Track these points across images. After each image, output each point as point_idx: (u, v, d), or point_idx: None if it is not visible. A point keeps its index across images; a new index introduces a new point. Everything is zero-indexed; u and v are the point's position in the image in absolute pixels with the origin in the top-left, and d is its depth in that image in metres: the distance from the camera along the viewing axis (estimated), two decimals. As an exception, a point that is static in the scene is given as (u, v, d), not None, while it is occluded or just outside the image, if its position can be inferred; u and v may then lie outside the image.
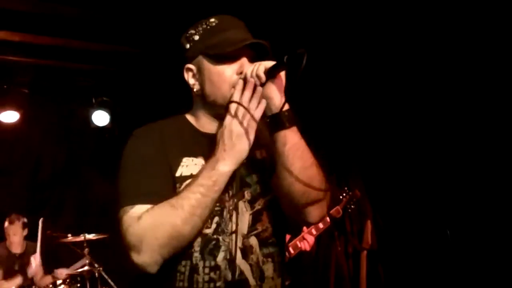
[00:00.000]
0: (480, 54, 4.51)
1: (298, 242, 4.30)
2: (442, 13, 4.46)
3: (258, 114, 1.63)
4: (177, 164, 1.72)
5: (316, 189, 1.67)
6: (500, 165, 4.52)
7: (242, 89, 1.64)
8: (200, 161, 1.73)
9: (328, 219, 4.47)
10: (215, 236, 1.67)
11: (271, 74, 1.63)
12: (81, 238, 5.46)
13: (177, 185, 1.68)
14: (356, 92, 5.68)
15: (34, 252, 5.56)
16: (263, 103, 1.63)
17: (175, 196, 1.60)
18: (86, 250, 5.46)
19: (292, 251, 4.25)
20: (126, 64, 5.89)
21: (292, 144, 1.63)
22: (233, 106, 1.64)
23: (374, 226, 5.30)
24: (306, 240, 4.33)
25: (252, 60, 1.73)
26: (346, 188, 4.76)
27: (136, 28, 5.06)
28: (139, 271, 1.57)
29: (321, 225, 4.39)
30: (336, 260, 5.34)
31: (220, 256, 1.67)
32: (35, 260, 5.39)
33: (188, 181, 1.66)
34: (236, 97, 1.64)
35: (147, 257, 1.55)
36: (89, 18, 4.82)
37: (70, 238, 5.50)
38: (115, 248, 6.01)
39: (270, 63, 1.63)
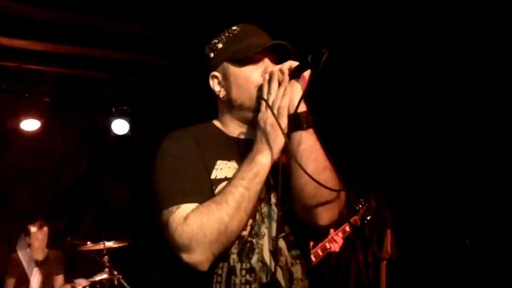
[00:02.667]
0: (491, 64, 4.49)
1: (327, 244, 4.32)
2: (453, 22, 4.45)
3: (285, 103, 1.65)
4: (212, 166, 1.75)
5: (328, 190, 1.67)
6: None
7: (268, 84, 1.69)
8: (233, 164, 1.76)
9: (347, 228, 4.48)
10: (249, 239, 1.70)
11: (295, 73, 1.67)
12: (100, 245, 5.47)
13: (213, 187, 1.71)
14: (380, 102, 5.66)
15: (57, 259, 5.62)
16: (291, 90, 1.66)
17: (219, 193, 1.63)
18: (105, 258, 5.47)
19: (313, 259, 4.25)
20: (146, 74, 5.94)
21: (308, 145, 1.66)
22: (263, 102, 1.68)
23: (394, 236, 5.27)
24: (335, 241, 4.35)
25: (276, 63, 1.78)
26: (362, 200, 4.78)
27: (157, 38, 5.10)
28: (191, 269, 1.59)
29: (347, 228, 4.43)
30: (356, 269, 5.32)
31: (255, 258, 1.69)
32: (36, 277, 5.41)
33: (223, 184, 1.69)
34: (264, 93, 1.69)
35: (198, 255, 1.57)
36: (109, 27, 4.87)
37: (89, 245, 5.52)
38: (134, 255, 6.06)
39: (295, 63, 1.68)
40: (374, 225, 5.53)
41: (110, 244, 5.51)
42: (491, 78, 4.65)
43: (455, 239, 4.98)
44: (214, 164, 1.76)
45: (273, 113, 1.63)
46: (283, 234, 1.75)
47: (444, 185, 5.09)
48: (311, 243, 4.30)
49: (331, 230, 4.43)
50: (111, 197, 6.86)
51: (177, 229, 1.58)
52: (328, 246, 4.33)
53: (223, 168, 1.75)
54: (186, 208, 1.61)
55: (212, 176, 1.73)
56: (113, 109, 6.43)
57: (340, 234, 4.45)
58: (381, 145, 5.75)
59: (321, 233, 4.33)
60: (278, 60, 1.78)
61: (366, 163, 5.90)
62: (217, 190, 1.69)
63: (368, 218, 4.76)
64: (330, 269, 5.11)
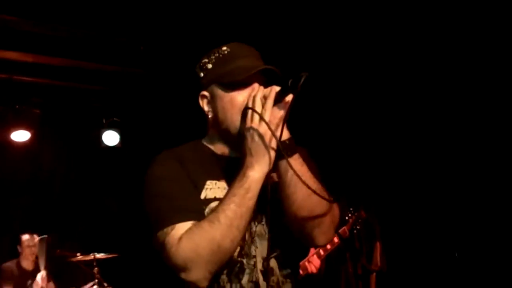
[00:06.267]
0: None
1: (306, 264, 4.32)
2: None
3: (275, 113, 1.64)
4: (201, 186, 1.75)
5: (319, 217, 1.68)
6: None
7: (254, 96, 1.67)
8: (222, 184, 1.76)
9: (336, 239, 4.48)
10: (239, 259, 1.70)
11: (278, 99, 1.64)
12: (90, 257, 5.46)
13: (203, 207, 1.71)
14: (368, 116, 5.70)
15: (45, 269, 5.60)
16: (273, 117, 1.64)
17: (211, 212, 1.63)
18: (95, 270, 5.46)
19: (301, 272, 4.26)
20: (136, 86, 5.95)
21: (293, 172, 1.62)
22: (249, 112, 1.66)
23: (383, 248, 5.29)
24: (311, 263, 4.34)
25: (265, 86, 1.74)
26: (351, 209, 4.77)
27: (147, 51, 5.12)
28: (192, 287, 1.60)
29: (328, 246, 4.41)
30: (346, 281, 5.33)
31: (245, 279, 1.70)
32: (42, 278, 5.39)
33: (212, 204, 1.69)
34: (249, 104, 1.66)
35: (196, 275, 1.57)
36: (101, 40, 4.89)
37: (79, 257, 5.51)
38: (125, 267, 6.05)
39: (277, 88, 1.65)
40: (363, 238, 5.54)
41: (100, 255, 5.50)
42: (474, 94, 4.70)
43: (444, 251, 5.01)
44: (204, 184, 1.75)
45: (258, 126, 1.62)
46: (274, 254, 1.75)
47: (433, 198, 5.12)
48: None
49: (311, 249, 4.41)
50: (101, 208, 6.85)
51: (171, 251, 1.58)
52: (307, 267, 4.33)
53: (212, 188, 1.75)
54: (180, 227, 1.61)
55: (202, 196, 1.73)
56: (104, 121, 6.43)
57: (321, 252, 4.43)
58: (370, 157, 5.78)
59: (304, 249, 4.33)
60: (266, 83, 1.75)
61: (355, 175, 5.93)
62: (207, 210, 1.69)
63: (358, 227, 4.76)
64: (319, 281, 5.11)
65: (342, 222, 4.73)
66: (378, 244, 5.07)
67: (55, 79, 5.63)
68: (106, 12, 4.43)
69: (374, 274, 4.99)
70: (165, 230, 1.63)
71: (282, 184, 1.67)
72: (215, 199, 1.71)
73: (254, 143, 1.63)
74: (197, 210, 1.66)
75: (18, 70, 5.32)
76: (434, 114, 5.09)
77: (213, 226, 1.58)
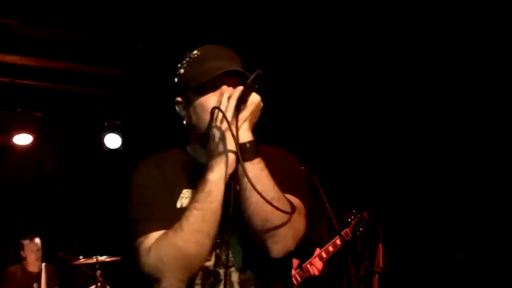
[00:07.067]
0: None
1: (308, 266, 4.31)
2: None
3: (242, 114, 1.59)
4: (178, 195, 1.73)
5: (272, 226, 1.59)
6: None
7: (220, 96, 1.62)
8: None
9: (338, 241, 4.48)
10: (215, 269, 1.67)
11: (241, 100, 1.59)
12: (93, 260, 5.47)
13: (179, 215, 1.65)
14: (370, 117, 5.71)
15: (52, 273, 5.61)
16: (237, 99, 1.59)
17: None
18: (98, 272, 5.46)
19: (299, 279, 4.26)
20: (138, 89, 5.96)
21: (251, 176, 1.54)
22: (215, 113, 1.62)
23: (386, 250, 5.28)
24: (314, 266, 4.33)
25: (235, 87, 1.66)
26: (354, 211, 4.75)
27: (148, 54, 5.13)
28: None
29: (331, 248, 4.40)
30: (348, 283, 5.33)
31: None
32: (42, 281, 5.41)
33: None
34: (215, 103, 1.62)
35: (165, 284, 1.56)
36: (102, 43, 4.90)
37: (82, 260, 5.51)
38: (127, 270, 6.06)
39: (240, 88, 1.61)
40: (366, 240, 5.54)
41: (103, 258, 5.51)
42: (475, 95, 4.71)
43: (447, 253, 5.01)
44: (180, 192, 1.74)
45: (220, 126, 1.59)
46: (250, 265, 1.69)
47: (435, 199, 5.12)
48: (297, 262, 4.33)
49: (317, 249, 4.41)
50: (103, 211, 6.85)
51: (142, 261, 1.59)
52: (309, 269, 4.32)
53: (188, 197, 1.72)
54: (153, 236, 1.60)
55: (178, 205, 1.71)
56: (105, 124, 6.44)
57: (324, 255, 4.42)
58: (373, 159, 5.78)
59: (306, 252, 4.33)
60: (237, 84, 1.66)
61: (358, 177, 5.93)
62: None
63: (361, 229, 4.73)
64: (322, 284, 5.10)
65: (344, 224, 4.72)
66: (380, 246, 5.05)
67: (57, 83, 5.65)
68: (107, 16, 4.44)
69: (377, 276, 4.96)
70: (139, 239, 1.63)
71: (240, 188, 1.61)
72: None
73: (214, 144, 1.60)
74: (171, 219, 1.62)
75: (20, 73, 5.34)
76: (436, 116, 5.09)
77: (176, 233, 1.56)
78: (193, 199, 1.60)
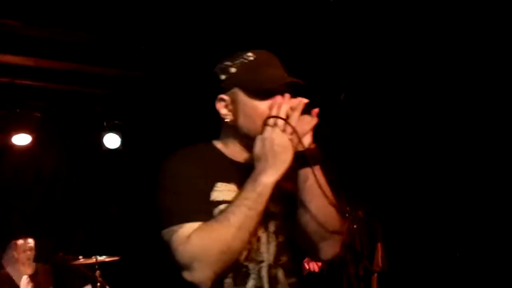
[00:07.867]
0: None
1: (305, 264, 4.32)
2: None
3: (299, 126, 1.65)
4: (211, 188, 1.74)
5: (331, 229, 1.71)
6: None
7: (279, 105, 1.67)
8: (233, 187, 1.75)
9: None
10: (245, 264, 1.70)
11: (304, 110, 1.67)
12: (92, 260, 5.47)
13: (211, 208, 1.70)
14: (369, 116, 5.71)
15: (46, 272, 5.59)
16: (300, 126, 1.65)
17: (221, 213, 1.63)
18: (97, 273, 5.46)
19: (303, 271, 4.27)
20: (137, 89, 5.96)
21: (313, 182, 1.65)
22: (271, 120, 1.66)
23: (385, 249, 5.29)
24: (313, 262, 4.34)
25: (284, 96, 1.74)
26: (348, 209, 4.77)
27: (147, 53, 5.13)
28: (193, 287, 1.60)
29: None
30: (347, 282, 5.33)
31: (250, 284, 1.70)
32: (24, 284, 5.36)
33: (221, 206, 1.69)
34: (274, 112, 1.66)
35: (200, 275, 1.57)
36: (101, 43, 4.91)
37: (81, 260, 5.51)
38: (127, 270, 6.06)
39: (305, 100, 1.68)
40: (365, 239, 5.55)
41: (102, 258, 5.51)
42: (476, 96, 4.71)
43: (446, 252, 5.02)
44: (214, 185, 1.75)
45: (282, 134, 1.63)
46: (280, 262, 1.76)
47: (434, 198, 5.12)
48: None
49: None
50: (102, 211, 6.86)
51: (179, 249, 1.59)
52: (306, 266, 4.33)
53: (223, 190, 1.74)
54: (188, 227, 1.60)
55: (211, 198, 1.73)
56: (105, 124, 6.45)
57: None
58: (372, 157, 5.78)
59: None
60: (289, 94, 1.73)
61: (356, 175, 5.93)
62: (214, 212, 1.69)
63: (355, 226, 4.74)
64: (321, 282, 5.11)
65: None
66: (379, 245, 5.08)
67: (56, 83, 5.65)
68: (107, 16, 4.44)
69: (376, 275, 4.99)
70: (173, 227, 1.63)
71: (300, 191, 1.69)
72: (223, 201, 1.71)
73: (272, 149, 1.62)
74: (206, 212, 1.66)
75: (19, 73, 5.33)
76: (436, 115, 5.10)
77: (224, 227, 1.58)
78: (241, 196, 1.62)
